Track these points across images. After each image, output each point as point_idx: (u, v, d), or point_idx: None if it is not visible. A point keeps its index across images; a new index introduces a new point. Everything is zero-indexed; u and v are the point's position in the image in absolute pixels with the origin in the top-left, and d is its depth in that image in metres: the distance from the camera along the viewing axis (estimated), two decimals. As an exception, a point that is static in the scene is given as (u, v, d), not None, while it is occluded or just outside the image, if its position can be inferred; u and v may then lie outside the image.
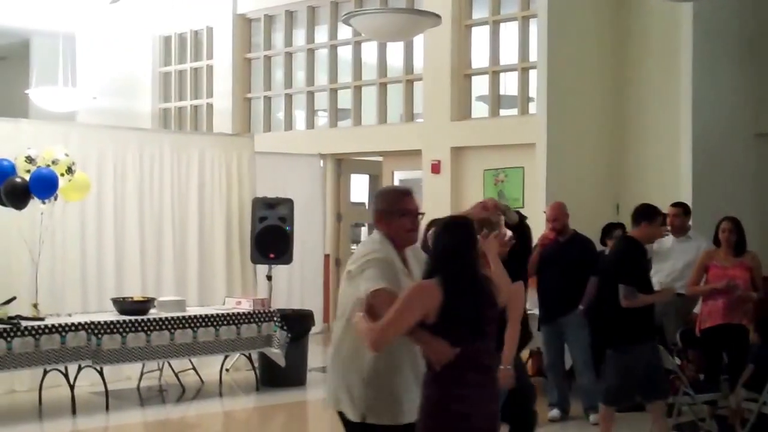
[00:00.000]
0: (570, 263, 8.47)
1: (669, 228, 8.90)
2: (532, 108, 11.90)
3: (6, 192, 8.86)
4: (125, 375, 10.21)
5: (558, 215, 8.60)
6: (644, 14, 11.24)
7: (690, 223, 9.20)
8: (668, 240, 9.01)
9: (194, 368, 10.34)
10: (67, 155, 9.11)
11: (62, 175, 9.01)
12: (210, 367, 10.54)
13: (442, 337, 4.14)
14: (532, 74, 11.86)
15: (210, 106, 16.15)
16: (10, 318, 8.58)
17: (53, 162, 8.98)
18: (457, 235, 4.28)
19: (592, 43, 11.36)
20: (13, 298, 8.87)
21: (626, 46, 11.36)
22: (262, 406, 9.77)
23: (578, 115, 11.13)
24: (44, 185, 8.92)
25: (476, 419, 4.16)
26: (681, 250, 8.96)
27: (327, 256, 14.00)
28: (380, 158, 14.34)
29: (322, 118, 15.20)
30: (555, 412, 8.63)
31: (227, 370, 10.56)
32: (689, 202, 9.93)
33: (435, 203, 12.47)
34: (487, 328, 4.22)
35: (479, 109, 12.95)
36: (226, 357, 10.33)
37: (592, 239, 9.01)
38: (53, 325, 8.65)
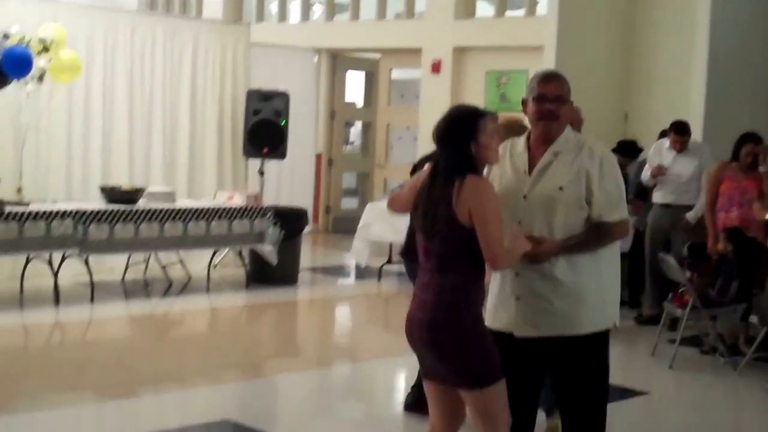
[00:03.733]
0: (580, 170, 8.13)
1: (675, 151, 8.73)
2: (540, 9, 11.43)
3: (-17, 71, 8.43)
4: (108, 266, 9.87)
5: (573, 120, 8.22)
6: None
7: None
8: (668, 154, 8.73)
9: (181, 262, 10.02)
10: (46, 35, 8.66)
11: (38, 53, 8.56)
12: (197, 262, 10.23)
13: None
14: (542, -26, 11.39)
15: (200, -8, 15.51)
16: (-7, 202, 8.20)
17: (34, 40, 8.54)
18: (442, 122, 3.88)
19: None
20: (-2, 181, 8.48)
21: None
22: (252, 304, 9.49)
23: (589, 17, 10.65)
24: (17, 64, 8.48)
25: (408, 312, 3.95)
26: (683, 162, 8.68)
27: (319, 156, 13.62)
28: (378, 55, 13.86)
29: (317, 11, 14.65)
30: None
31: (215, 266, 10.24)
32: (701, 112, 9.66)
33: (433, 105, 12.09)
34: (433, 229, 3.81)
35: (484, 8, 12.47)
36: (214, 253, 10.01)
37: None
38: (38, 212, 8.27)
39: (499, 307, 4.03)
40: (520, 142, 4.11)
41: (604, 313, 4.03)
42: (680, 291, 7.53)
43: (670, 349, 7.42)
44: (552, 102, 3.97)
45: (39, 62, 8.74)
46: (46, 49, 8.72)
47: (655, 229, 8.79)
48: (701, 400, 6.79)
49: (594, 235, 3.94)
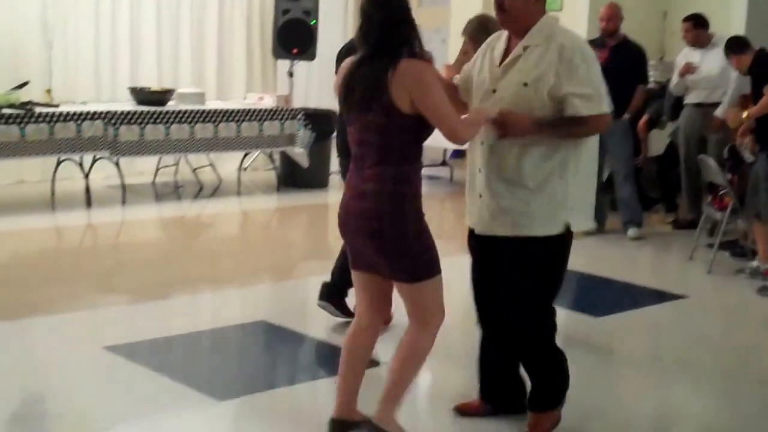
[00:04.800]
0: (618, 69, 7.84)
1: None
2: None
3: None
4: (138, 170, 9.84)
5: (612, 15, 8.04)
6: None
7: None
8: (695, 54, 8.49)
9: (212, 165, 9.95)
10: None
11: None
12: (227, 165, 10.15)
13: None
14: None
15: None
16: (23, 104, 8.11)
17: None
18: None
19: None
20: (27, 83, 8.37)
21: None
22: (283, 207, 9.45)
23: None
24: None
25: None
26: (710, 59, 8.44)
27: (347, 57, 13.39)
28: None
29: None
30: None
31: (244, 169, 10.17)
32: (744, 12, 9.37)
33: (465, 8, 11.80)
34: (368, 119, 3.64)
35: None
36: (245, 155, 9.93)
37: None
38: (68, 113, 8.19)
39: (469, 203, 4.03)
40: (503, 35, 3.97)
41: (557, 218, 3.85)
42: (720, 194, 7.39)
43: (708, 254, 7.31)
44: None
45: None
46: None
47: (689, 131, 8.58)
48: (740, 305, 6.68)
49: (567, 121, 3.75)
